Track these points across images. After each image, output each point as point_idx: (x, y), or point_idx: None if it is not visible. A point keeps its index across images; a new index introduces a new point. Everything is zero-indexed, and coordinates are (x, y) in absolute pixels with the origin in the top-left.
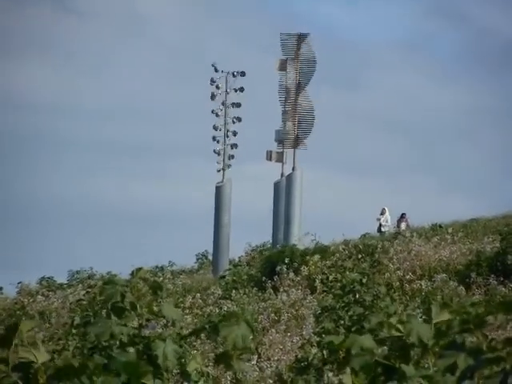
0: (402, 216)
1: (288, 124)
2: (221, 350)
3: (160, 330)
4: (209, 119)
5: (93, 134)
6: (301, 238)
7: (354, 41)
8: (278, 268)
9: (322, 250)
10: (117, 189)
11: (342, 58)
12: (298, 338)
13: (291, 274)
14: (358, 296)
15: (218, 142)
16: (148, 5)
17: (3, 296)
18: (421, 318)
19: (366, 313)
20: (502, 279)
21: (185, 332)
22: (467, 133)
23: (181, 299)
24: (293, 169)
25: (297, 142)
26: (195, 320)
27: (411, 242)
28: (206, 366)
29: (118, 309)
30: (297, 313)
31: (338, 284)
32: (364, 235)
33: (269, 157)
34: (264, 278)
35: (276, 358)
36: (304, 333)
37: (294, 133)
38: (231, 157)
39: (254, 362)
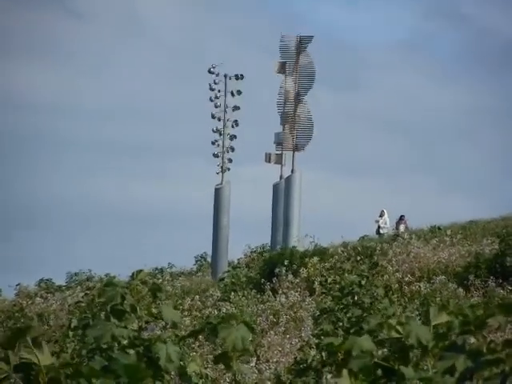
0: (401, 218)
1: (286, 135)
2: (220, 351)
3: (158, 332)
4: (209, 119)
5: (93, 134)
6: (300, 239)
7: (354, 41)
8: (277, 270)
9: (321, 252)
10: (117, 189)
11: (342, 58)
12: (296, 340)
13: (290, 276)
14: (356, 298)
15: (218, 145)
16: (148, 5)
17: (2, 298)
18: (419, 319)
19: (365, 315)
20: (500, 281)
21: (183, 334)
22: (467, 133)
23: (180, 301)
24: (292, 171)
25: (296, 148)
26: (194, 322)
27: (410, 244)
28: (205, 368)
29: (118, 311)
30: (295, 315)
31: (337, 286)
32: (363, 237)
33: (268, 159)
34: (263, 280)
35: (275, 360)
36: (303, 335)
37: (292, 145)
38: (230, 160)
39: (252, 364)
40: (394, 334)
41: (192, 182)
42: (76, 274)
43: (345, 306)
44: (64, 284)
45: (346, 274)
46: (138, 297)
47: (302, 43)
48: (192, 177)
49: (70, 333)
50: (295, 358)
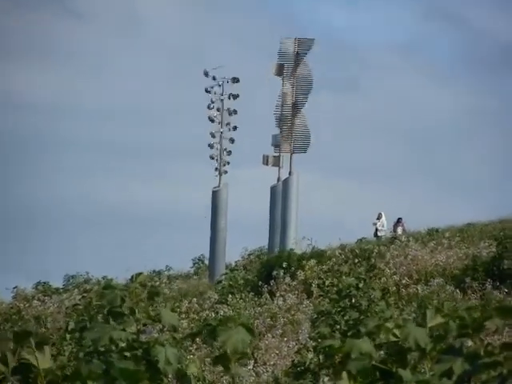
0: (399, 221)
1: (284, 138)
2: (217, 353)
3: (156, 335)
4: (208, 121)
5: (93, 134)
6: (297, 242)
7: (353, 42)
8: (275, 272)
9: (319, 255)
10: (116, 189)
11: (342, 59)
12: (294, 343)
13: (287, 279)
14: (354, 301)
15: (217, 149)
16: (148, 5)
17: None
18: (414, 322)
19: (362, 317)
20: (497, 284)
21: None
22: (467, 134)
23: (177, 304)
24: (289, 173)
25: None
26: (191, 325)
27: (407, 247)
28: (203, 371)
29: (117, 314)
30: (293, 317)
31: (335, 288)
32: (360, 240)
33: (265, 161)
34: (260, 283)
35: (272, 363)
36: (300, 337)
37: (289, 153)
38: (227, 163)
39: (250, 367)
40: (392, 337)
41: (192, 183)
42: (73, 277)
43: (342, 308)
44: (61, 287)
45: (344, 277)
46: (136, 299)
47: (302, 48)
48: (192, 178)
49: (68, 335)
50: (293, 361)
